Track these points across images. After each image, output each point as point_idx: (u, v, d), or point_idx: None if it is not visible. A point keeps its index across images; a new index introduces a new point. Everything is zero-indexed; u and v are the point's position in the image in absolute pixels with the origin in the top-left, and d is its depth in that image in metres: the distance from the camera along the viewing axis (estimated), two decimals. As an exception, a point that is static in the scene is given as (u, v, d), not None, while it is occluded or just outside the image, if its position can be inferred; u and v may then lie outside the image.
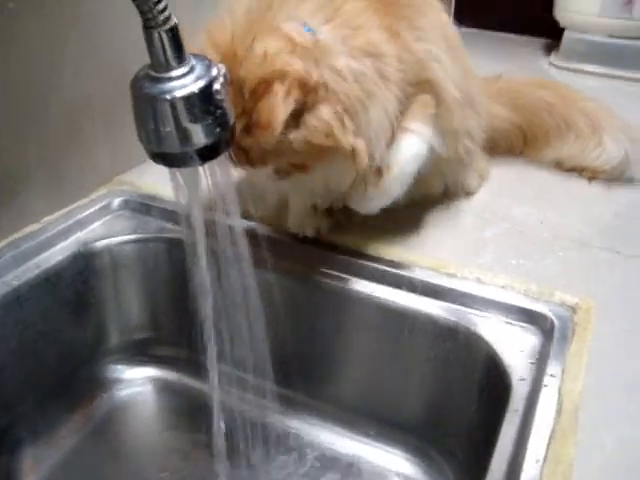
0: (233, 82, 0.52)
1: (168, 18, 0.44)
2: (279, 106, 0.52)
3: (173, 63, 0.46)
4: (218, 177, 0.53)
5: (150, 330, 0.86)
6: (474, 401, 0.68)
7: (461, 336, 0.68)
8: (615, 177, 0.90)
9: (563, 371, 0.59)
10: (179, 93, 0.46)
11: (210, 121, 0.47)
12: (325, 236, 0.76)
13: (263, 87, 0.53)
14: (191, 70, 0.47)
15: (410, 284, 0.71)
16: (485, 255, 0.74)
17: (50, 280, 0.74)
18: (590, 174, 0.91)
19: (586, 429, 0.52)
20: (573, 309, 0.66)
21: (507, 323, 0.67)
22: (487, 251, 0.75)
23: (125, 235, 0.80)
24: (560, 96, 0.94)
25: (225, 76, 0.48)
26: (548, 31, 1.34)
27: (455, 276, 0.71)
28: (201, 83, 0.46)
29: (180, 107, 0.46)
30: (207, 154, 0.49)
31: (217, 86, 0.47)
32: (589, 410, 0.54)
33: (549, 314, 0.66)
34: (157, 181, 0.86)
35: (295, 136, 0.55)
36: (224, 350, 0.66)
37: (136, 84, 0.47)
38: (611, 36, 1.25)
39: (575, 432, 0.52)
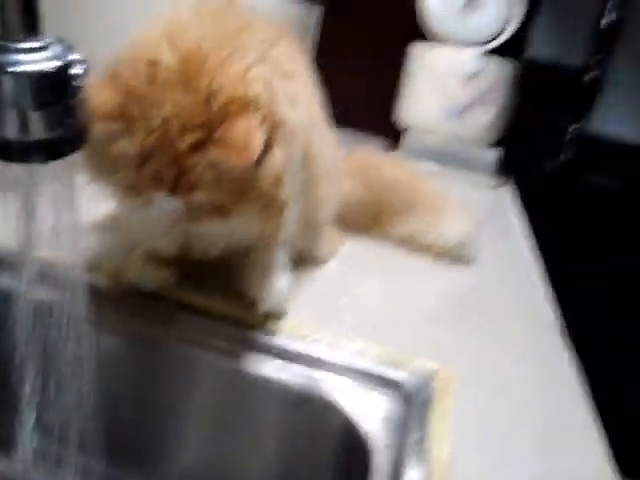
0: (194, 90, 0.48)
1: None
2: (256, 132, 0.48)
3: (24, 32, 0.39)
4: (62, 208, 0.46)
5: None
6: (331, 472, 0.62)
7: (314, 403, 0.64)
8: (456, 257, 0.92)
9: (427, 436, 0.56)
10: (27, 68, 0.39)
11: (61, 111, 0.41)
12: (171, 291, 0.68)
13: (236, 107, 0.49)
14: (46, 47, 0.40)
15: (263, 347, 0.66)
16: (340, 322, 0.71)
17: None
18: (434, 252, 0.93)
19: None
20: (431, 376, 0.64)
21: (364, 389, 0.63)
22: (342, 318, 0.72)
23: None
24: (408, 176, 0.96)
25: (86, 68, 0.42)
26: (387, 131, 1.39)
27: (309, 341, 0.66)
28: (56, 63, 0.40)
29: (26, 85, 0.39)
30: (53, 150, 0.41)
31: (77, 71, 0.41)
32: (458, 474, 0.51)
33: (407, 380, 0.63)
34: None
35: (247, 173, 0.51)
36: (45, 423, 0.56)
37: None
38: (448, 142, 1.33)
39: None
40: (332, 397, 0.62)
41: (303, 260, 0.83)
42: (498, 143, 1.44)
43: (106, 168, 0.52)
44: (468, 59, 1.37)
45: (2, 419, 0.60)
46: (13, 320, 0.53)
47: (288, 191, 0.56)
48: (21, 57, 0.39)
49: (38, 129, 0.40)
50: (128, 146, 0.48)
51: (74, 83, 0.41)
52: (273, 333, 0.67)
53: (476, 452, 0.55)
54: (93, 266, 0.67)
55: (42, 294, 0.51)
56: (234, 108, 0.49)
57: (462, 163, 1.39)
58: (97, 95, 0.46)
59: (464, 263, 0.93)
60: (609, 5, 1.72)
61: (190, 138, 0.48)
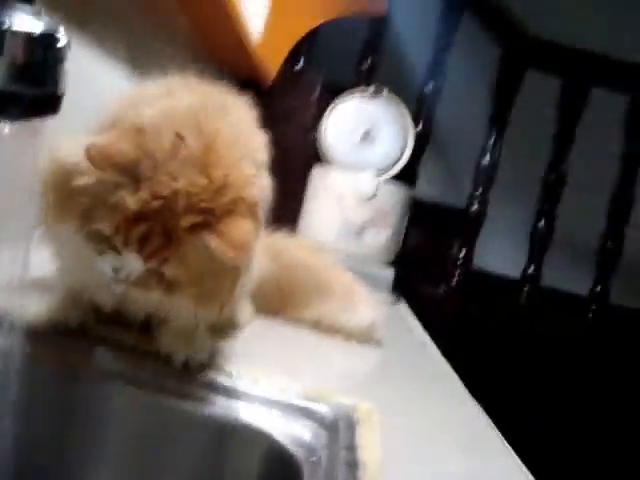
0: (209, 177, 0.51)
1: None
2: (253, 238, 0.53)
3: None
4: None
5: None
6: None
7: (239, 432, 0.63)
8: (366, 339, 0.96)
9: (355, 449, 0.57)
10: (17, 26, 0.43)
11: (44, 71, 0.44)
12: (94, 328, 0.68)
13: (242, 208, 0.53)
14: (37, 14, 0.44)
15: (187, 381, 0.65)
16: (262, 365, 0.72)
17: None
18: (344, 335, 0.95)
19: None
20: (353, 407, 0.66)
21: (289, 419, 0.64)
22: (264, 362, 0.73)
23: None
24: (317, 260, 1.01)
25: (69, 41, 0.46)
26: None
27: (232, 376, 0.67)
28: (46, 27, 0.44)
29: (16, 41, 0.43)
30: (30, 107, 0.44)
31: (63, 40, 0.45)
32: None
33: (330, 411, 0.64)
34: None
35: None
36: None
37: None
38: (344, 259, 1.40)
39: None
40: (257, 425, 0.62)
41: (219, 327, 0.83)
42: (393, 263, 1.54)
43: (86, 213, 0.52)
44: (364, 182, 1.49)
45: None
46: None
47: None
48: (14, 20, 0.43)
49: (20, 82, 0.43)
50: (130, 201, 0.49)
51: (60, 52, 0.45)
52: (198, 370, 0.66)
53: (404, 463, 0.56)
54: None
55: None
56: (240, 208, 0.53)
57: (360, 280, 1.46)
58: (114, 145, 0.50)
59: (374, 344, 0.96)
60: (487, 147, 1.95)
61: (193, 219, 0.50)
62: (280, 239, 1.03)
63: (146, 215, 0.50)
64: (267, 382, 0.67)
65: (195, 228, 0.51)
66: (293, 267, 0.98)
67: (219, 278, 0.55)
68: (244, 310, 0.87)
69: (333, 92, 1.59)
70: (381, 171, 1.57)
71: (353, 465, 0.53)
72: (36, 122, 0.46)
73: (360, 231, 1.45)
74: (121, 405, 0.65)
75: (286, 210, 1.48)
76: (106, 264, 0.53)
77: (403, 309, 1.41)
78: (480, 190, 1.98)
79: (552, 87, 2.06)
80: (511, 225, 2.05)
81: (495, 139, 2.00)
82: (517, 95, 1.99)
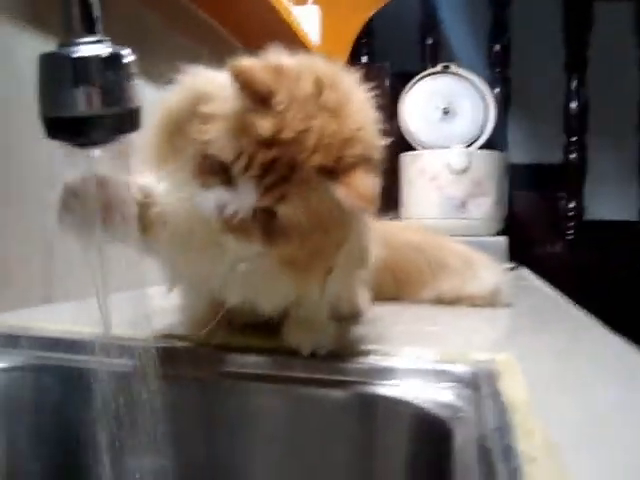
0: (343, 126, 0.50)
1: (81, -14, 0.46)
2: (376, 189, 0.51)
3: (83, 30, 0.46)
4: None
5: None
6: (411, 464, 0.59)
7: (380, 408, 0.62)
8: (491, 303, 0.94)
9: (502, 403, 0.55)
10: (87, 53, 0.45)
11: (118, 90, 0.46)
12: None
13: (369, 166, 0.52)
14: (102, 41, 0.47)
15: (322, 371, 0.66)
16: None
17: None
18: (469, 303, 0.94)
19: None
20: (491, 361, 0.64)
21: (429, 385, 0.63)
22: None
23: (-15, 364, 0.68)
24: (428, 239, 1.00)
25: (134, 61, 0.49)
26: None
27: (362, 354, 0.67)
28: (112, 50, 0.46)
29: (87, 67, 0.45)
30: (112, 127, 0.47)
31: (129, 59, 0.47)
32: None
33: (469, 369, 0.63)
34: (28, 318, 0.77)
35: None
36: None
37: (43, 54, 0.46)
38: (453, 235, 1.38)
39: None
40: (399, 396, 0.61)
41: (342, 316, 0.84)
42: (504, 231, 1.51)
43: (201, 146, 0.51)
44: (455, 157, 1.47)
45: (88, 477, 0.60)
46: (92, 394, 0.57)
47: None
48: (82, 47, 0.46)
49: (99, 105, 0.45)
50: (264, 125, 0.48)
51: (127, 69, 0.47)
52: (327, 357, 0.66)
53: (554, 400, 0.54)
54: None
55: (116, 366, 0.57)
56: (365, 165, 0.52)
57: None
58: (257, 72, 0.49)
59: (501, 306, 0.94)
60: (571, 93, 1.88)
61: (322, 159, 0.49)
62: (386, 225, 1.03)
63: (275, 144, 0.48)
64: (400, 354, 0.67)
65: (321, 171, 0.49)
66: (404, 250, 0.98)
67: (329, 235, 0.53)
68: (363, 297, 0.87)
69: (403, 77, 1.58)
70: (469, 143, 1.54)
71: (502, 410, 0.52)
72: (123, 140, 0.48)
73: (462, 205, 1.43)
74: (263, 404, 0.66)
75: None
76: (210, 199, 0.50)
77: (524, 273, 1.37)
78: (575, 138, 1.90)
79: (625, 13, 1.96)
80: (616, 167, 1.95)
81: (578, 82, 1.92)
82: (590, 31, 1.90)
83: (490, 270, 0.97)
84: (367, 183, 0.51)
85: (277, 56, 0.55)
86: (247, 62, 0.50)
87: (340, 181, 0.50)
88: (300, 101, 0.50)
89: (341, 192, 0.50)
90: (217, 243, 0.56)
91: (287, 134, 0.48)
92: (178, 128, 0.54)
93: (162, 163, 0.56)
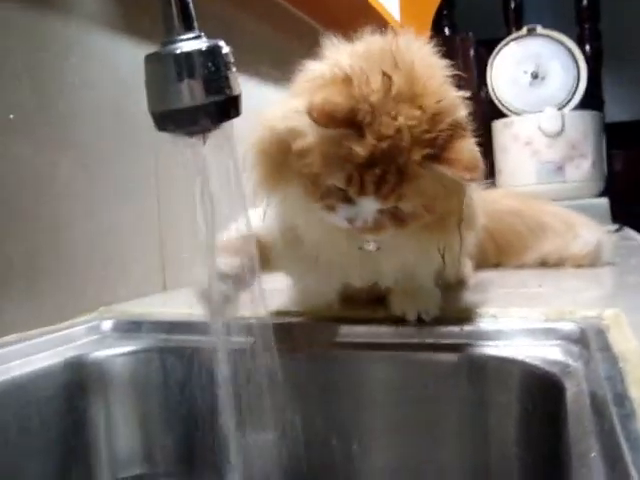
0: (422, 107, 0.52)
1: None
2: (478, 154, 0.54)
3: (182, 28, 0.49)
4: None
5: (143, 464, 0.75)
6: (527, 420, 0.60)
7: (490, 369, 0.63)
8: (594, 261, 0.93)
9: (612, 347, 0.55)
10: (187, 48, 0.48)
11: (219, 80, 0.49)
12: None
13: (459, 130, 0.53)
14: (199, 36, 0.50)
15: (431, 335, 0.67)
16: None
17: (27, 391, 0.65)
18: (572, 263, 0.93)
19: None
20: (598, 317, 0.64)
21: (538, 344, 0.63)
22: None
23: (115, 348, 0.74)
24: (527, 203, 0.99)
25: (230, 52, 0.52)
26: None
27: (469, 317, 0.68)
28: (209, 43, 0.50)
29: (190, 61, 0.49)
30: (217, 114, 0.50)
31: (226, 50, 0.50)
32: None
33: (576, 325, 0.63)
34: (147, 305, 0.83)
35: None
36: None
37: (148, 54, 0.50)
38: (552, 200, 1.35)
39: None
40: (509, 356, 0.62)
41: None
42: (605, 192, 1.47)
43: (309, 174, 0.54)
44: (549, 120, 1.44)
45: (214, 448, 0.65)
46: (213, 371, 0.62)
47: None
48: (183, 43, 0.49)
49: (204, 95, 0.49)
50: (358, 148, 0.50)
51: (227, 59, 0.50)
52: (433, 323, 0.68)
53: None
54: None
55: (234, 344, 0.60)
56: (458, 130, 0.53)
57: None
58: (331, 100, 0.50)
59: (605, 265, 0.93)
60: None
61: (422, 151, 0.51)
62: (485, 193, 1.02)
63: (376, 158, 0.50)
64: (506, 315, 0.67)
65: (425, 159, 0.51)
66: (505, 217, 0.98)
67: (449, 199, 0.56)
68: (467, 265, 0.88)
69: (488, 45, 1.56)
70: (562, 104, 1.51)
71: (612, 361, 0.52)
72: (226, 126, 0.51)
73: (559, 169, 1.40)
74: (375, 371, 0.68)
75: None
76: (340, 217, 0.55)
77: (629, 233, 1.33)
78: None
79: None
80: None
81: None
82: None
83: (591, 229, 0.96)
84: (466, 151, 0.52)
85: (338, 50, 0.57)
86: (317, 98, 0.51)
87: (442, 160, 0.52)
88: (378, 104, 0.51)
89: (447, 170, 0.52)
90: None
91: (382, 145, 0.51)
92: (280, 159, 0.57)
93: (276, 185, 0.59)
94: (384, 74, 0.52)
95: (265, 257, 0.66)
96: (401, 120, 0.51)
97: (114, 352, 0.74)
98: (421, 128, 0.51)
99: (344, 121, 0.50)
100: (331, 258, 0.65)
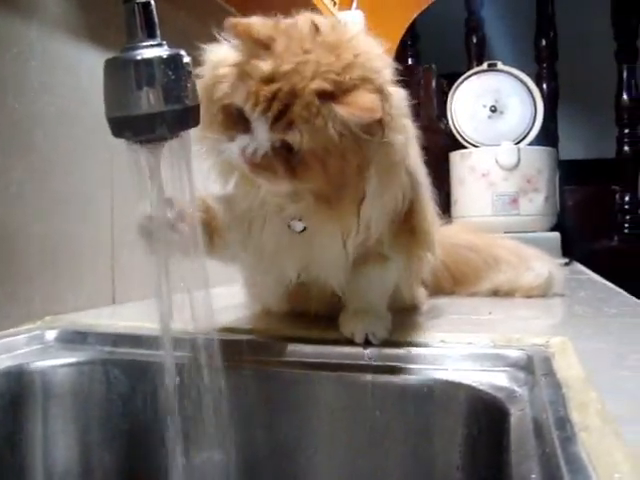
0: (338, 56, 0.54)
1: (143, -6, 0.49)
2: (378, 107, 0.53)
3: (145, 35, 0.49)
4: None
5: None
6: (470, 444, 0.60)
7: (437, 393, 0.63)
8: (544, 292, 0.96)
9: (556, 373, 0.56)
10: (148, 55, 0.48)
11: (180, 88, 0.49)
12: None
13: (369, 86, 0.55)
14: (161, 44, 0.50)
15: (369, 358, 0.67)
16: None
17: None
18: (524, 293, 0.95)
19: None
20: (545, 344, 0.64)
21: (483, 369, 0.64)
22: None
23: (57, 358, 0.72)
24: (482, 238, 1.01)
25: (190, 62, 0.52)
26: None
27: (417, 341, 0.68)
28: (171, 51, 0.49)
29: (150, 68, 0.49)
30: (175, 123, 0.50)
31: (186, 59, 0.50)
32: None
33: (522, 352, 0.64)
34: (94, 316, 0.81)
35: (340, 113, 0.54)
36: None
37: (108, 59, 0.49)
38: (505, 232, 1.38)
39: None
40: (454, 380, 0.62)
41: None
42: (556, 227, 1.50)
43: (221, 97, 0.57)
44: (505, 154, 1.47)
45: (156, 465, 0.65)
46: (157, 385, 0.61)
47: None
48: (145, 50, 0.49)
49: (162, 103, 0.48)
50: (263, 64, 0.53)
51: (187, 68, 0.50)
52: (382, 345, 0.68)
53: (609, 375, 0.54)
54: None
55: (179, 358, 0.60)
56: (367, 86, 0.55)
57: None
58: (259, 22, 0.55)
59: (554, 296, 0.96)
60: (622, 84, 1.85)
61: (321, 84, 0.52)
62: (442, 229, 1.03)
63: (276, 78, 0.52)
64: (455, 340, 0.68)
65: (323, 96, 0.53)
66: (460, 251, 1.00)
67: (346, 162, 0.55)
68: (420, 291, 0.89)
69: (449, 77, 1.59)
70: (519, 139, 1.54)
71: (556, 386, 0.52)
72: (183, 135, 0.51)
73: (514, 201, 1.43)
74: (321, 392, 0.68)
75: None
76: (234, 146, 0.55)
77: (578, 267, 1.36)
78: (627, 130, 1.87)
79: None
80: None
81: (628, 73, 1.89)
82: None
83: (543, 262, 0.99)
84: (368, 99, 0.53)
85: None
86: (245, 19, 0.55)
87: (340, 101, 0.53)
88: (297, 40, 0.54)
89: (342, 110, 0.53)
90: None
91: (285, 67, 0.53)
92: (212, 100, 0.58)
93: (212, 130, 0.59)
94: (313, 23, 0.56)
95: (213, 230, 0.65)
96: (312, 57, 0.53)
97: (56, 362, 0.72)
98: (330, 70, 0.53)
99: (259, 41, 0.53)
100: (264, 240, 0.66)
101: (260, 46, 0.53)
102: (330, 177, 0.56)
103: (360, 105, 0.53)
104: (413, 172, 0.66)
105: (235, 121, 0.55)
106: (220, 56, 0.58)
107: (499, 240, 1.04)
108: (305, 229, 0.62)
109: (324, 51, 0.54)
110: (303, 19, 0.57)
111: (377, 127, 0.55)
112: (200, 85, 0.56)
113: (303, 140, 0.53)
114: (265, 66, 0.52)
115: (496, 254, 1.00)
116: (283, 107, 0.52)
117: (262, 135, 0.53)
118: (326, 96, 0.53)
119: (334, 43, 0.55)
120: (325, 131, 0.53)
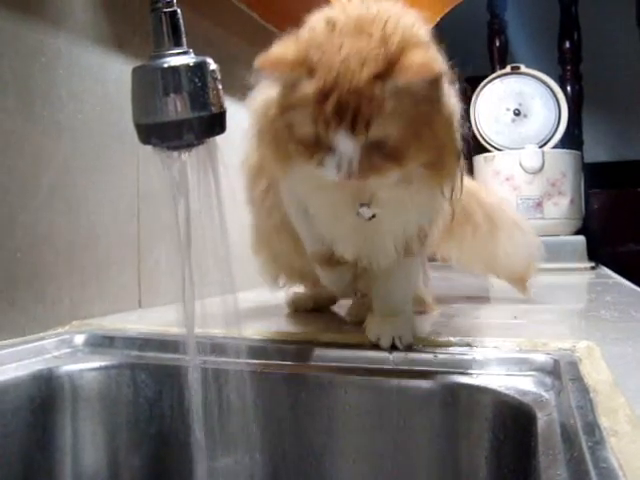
0: (369, 35, 0.52)
1: (170, 3, 0.50)
2: (434, 58, 0.52)
3: (171, 43, 0.50)
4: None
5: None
6: (496, 451, 0.60)
7: (463, 398, 0.63)
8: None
9: (583, 377, 0.55)
10: (175, 62, 0.49)
11: (206, 95, 0.50)
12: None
13: (412, 45, 0.52)
14: (187, 52, 0.51)
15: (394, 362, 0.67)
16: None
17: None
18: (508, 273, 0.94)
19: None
20: (572, 349, 0.64)
21: (510, 374, 0.63)
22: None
23: (86, 362, 0.73)
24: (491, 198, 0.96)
25: (216, 69, 0.52)
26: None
27: (443, 345, 0.68)
28: (197, 59, 0.50)
29: (177, 75, 0.49)
30: (201, 129, 0.50)
31: (213, 67, 0.51)
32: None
33: (549, 357, 0.63)
34: (121, 321, 0.82)
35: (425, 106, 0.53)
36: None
37: (136, 67, 0.50)
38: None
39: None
40: (481, 385, 0.62)
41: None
42: (582, 230, 1.49)
43: (283, 133, 0.55)
44: (529, 157, 1.46)
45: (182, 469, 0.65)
46: (184, 389, 0.62)
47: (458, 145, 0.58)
48: (172, 58, 0.49)
49: (189, 110, 0.49)
50: (309, 87, 0.51)
51: (212, 75, 0.50)
52: (407, 349, 0.68)
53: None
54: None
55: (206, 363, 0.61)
56: (410, 46, 0.52)
57: (550, 254, 1.42)
58: (281, 49, 0.52)
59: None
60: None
61: (370, 69, 0.50)
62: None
63: (330, 90, 0.50)
64: (481, 344, 0.67)
65: (377, 77, 0.50)
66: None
67: (433, 125, 0.53)
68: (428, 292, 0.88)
69: (472, 81, 1.59)
70: (543, 142, 1.53)
71: (584, 391, 0.52)
72: (210, 143, 0.51)
73: (538, 205, 1.42)
74: (349, 396, 0.68)
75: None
76: (328, 168, 0.53)
77: (604, 271, 1.35)
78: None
79: None
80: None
81: (655, 74, 1.87)
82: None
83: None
84: (418, 58, 0.51)
85: None
86: (263, 54, 0.53)
87: (395, 73, 0.51)
88: (324, 42, 0.52)
89: (401, 79, 0.51)
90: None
91: (329, 77, 0.51)
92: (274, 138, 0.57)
93: (282, 162, 0.59)
94: (327, 19, 0.54)
95: None
96: (345, 50, 0.51)
97: (85, 366, 0.73)
98: (368, 51, 0.51)
99: (292, 64, 0.52)
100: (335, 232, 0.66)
101: (296, 69, 0.52)
102: (427, 144, 0.54)
103: (414, 67, 0.50)
104: None
105: (316, 144, 0.53)
106: (264, 98, 0.57)
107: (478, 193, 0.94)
108: (374, 216, 0.60)
109: (353, 39, 0.52)
110: (316, 20, 0.56)
111: (439, 80, 0.53)
112: (259, 131, 0.57)
113: (387, 130, 0.52)
114: (311, 86, 0.51)
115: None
116: (352, 112, 0.50)
117: (348, 147, 0.52)
118: (381, 76, 0.51)
119: (359, 26, 0.53)
120: (400, 108, 0.52)
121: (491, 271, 0.95)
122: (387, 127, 0.52)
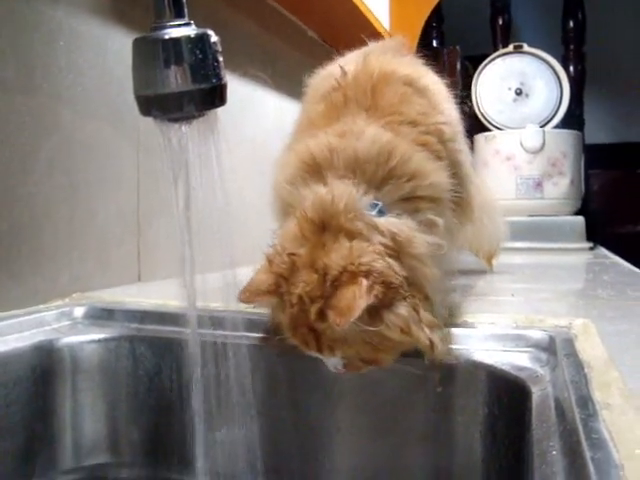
0: (316, 270, 0.54)
1: (171, -27, 0.49)
2: (361, 297, 0.52)
3: (172, 14, 0.50)
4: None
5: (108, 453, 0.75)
6: (490, 422, 0.61)
7: (459, 373, 0.64)
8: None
9: (578, 353, 0.56)
10: (176, 34, 0.49)
11: (207, 67, 0.50)
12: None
13: (346, 278, 0.54)
14: (188, 24, 0.50)
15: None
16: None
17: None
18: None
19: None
20: (567, 325, 0.65)
21: (505, 350, 0.64)
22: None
23: (86, 334, 0.74)
24: None
25: (218, 41, 0.52)
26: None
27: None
28: (198, 31, 0.50)
29: (178, 47, 0.49)
30: (202, 101, 0.50)
31: (214, 39, 0.50)
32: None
33: (545, 333, 0.64)
34: (121, 294, 0.83)
35: (371, 329, 0.55)
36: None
37: (137, 38, 0.50)
38: (529, 215, 1.37)
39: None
40: (477, 360, 0.63)
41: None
42: (581, 211, 1.49)
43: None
44: (530, 137, 1.45)
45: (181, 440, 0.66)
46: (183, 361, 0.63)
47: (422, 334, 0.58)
48: (173, 29, 0.49)
49: (190, 82, 0.49)
50: (282, 317, 0.56)
51: (215, 47, 0.50)
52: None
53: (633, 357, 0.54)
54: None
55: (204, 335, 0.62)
56: (344, 279, 0.54)
57: (549, 234, 1.42)
58: (258, 277, 0.56)
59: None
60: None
61: (314, 308, 0.53)
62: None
63: (297, 321, 0.55)
64: (477, 321, 0.68)
65: (320, 315, 0.53)
66: None
67: (383, 338, 0.56)
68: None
69: (475, 60, 1.58)
70: (544, 122, 1.53)
71: (578, 366, 0.53)
72: (210, 115, 0.51)
73: (538, 185, 1.41)
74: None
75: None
76: (325, 363, 0.60)
77: (602, 252, 1.35)
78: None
79: None
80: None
81: (658, 55, 1.86)
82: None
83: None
84: (348, 295, 0.52)
85: None
86: (247, 288, 0.56)
87: (328, 312, 0.52)
88: (288, 278, 0.55)
89: (330, 318, 0.52)
90: None
91: (294, 310, 0.55)
92: None
93: None
94: (289, 254, 0.55)
95: None
96: (300, 287, 0.54)
97: (84, 339, 0.74)
98: (315, 288, 0.53)
99: (267, 294, 0.56)
100: None
101: (272, 298, 0.57)
102: (392, 345, 0.57)
103: (338, 310, 0.52)
104: None
105: None
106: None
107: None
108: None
109: (305, 274, 0.54)
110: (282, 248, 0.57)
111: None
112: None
113: (350, 350, 0.56)
114: (284, 317, 0.56)
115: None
116: (314, 341, 0.56)
117: (327, 360, 0.59)
118: (321, 313, 0.54)
119: (311, 258, 0.55)
120: (353, 334, 0.55)
121: (473, 250, 0.97)
122: (348, 349, 0.56)
